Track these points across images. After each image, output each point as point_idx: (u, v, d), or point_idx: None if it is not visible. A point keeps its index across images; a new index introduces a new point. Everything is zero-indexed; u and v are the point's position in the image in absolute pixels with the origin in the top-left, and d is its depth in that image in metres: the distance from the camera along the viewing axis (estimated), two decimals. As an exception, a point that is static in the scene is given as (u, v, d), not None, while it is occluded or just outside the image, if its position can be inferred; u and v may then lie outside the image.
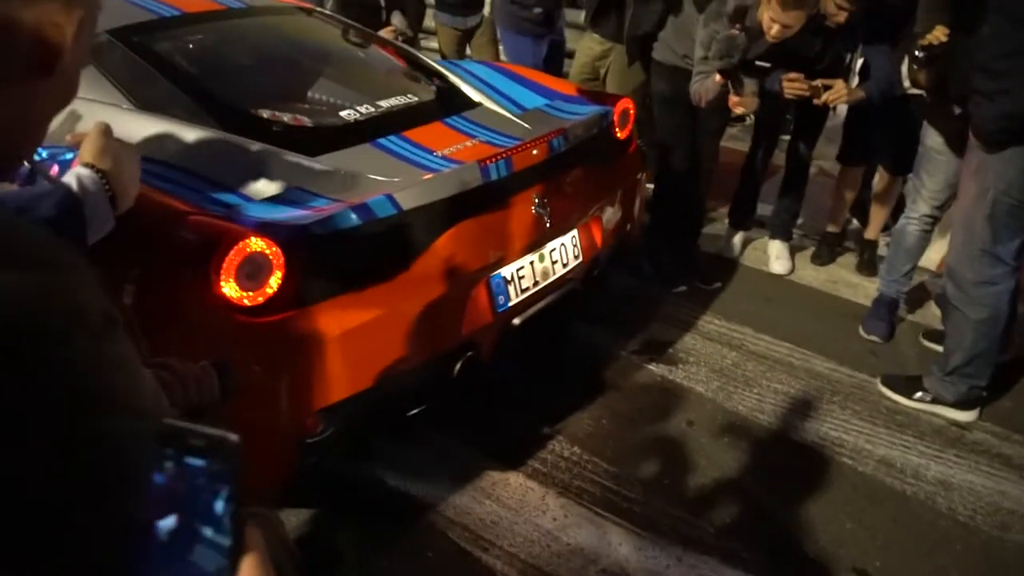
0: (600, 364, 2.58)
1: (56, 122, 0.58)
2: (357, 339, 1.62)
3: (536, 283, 2.03)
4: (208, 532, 0.41)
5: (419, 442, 2.16)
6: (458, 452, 2.15)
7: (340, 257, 1.61)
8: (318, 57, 2.44)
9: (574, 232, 2.15)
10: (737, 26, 2.55)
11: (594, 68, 3.53)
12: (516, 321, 1.97)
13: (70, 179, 1.00)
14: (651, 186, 3.07)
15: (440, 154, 1.90)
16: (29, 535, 0.42)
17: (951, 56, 2.24)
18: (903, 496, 2.07)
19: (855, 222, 3.54)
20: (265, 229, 1.50)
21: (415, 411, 1.85)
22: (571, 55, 3.86)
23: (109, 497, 0.45)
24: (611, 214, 2.32)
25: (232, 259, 1.47)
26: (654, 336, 2.75)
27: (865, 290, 3.08)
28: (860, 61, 2.93)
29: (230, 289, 1.48)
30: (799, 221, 3.40)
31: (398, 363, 1.70)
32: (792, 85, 2.68)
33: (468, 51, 4.09)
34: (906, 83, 2.56)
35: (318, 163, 1.77)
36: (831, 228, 3.37)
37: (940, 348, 2.46)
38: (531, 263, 2.01)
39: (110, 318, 0.48)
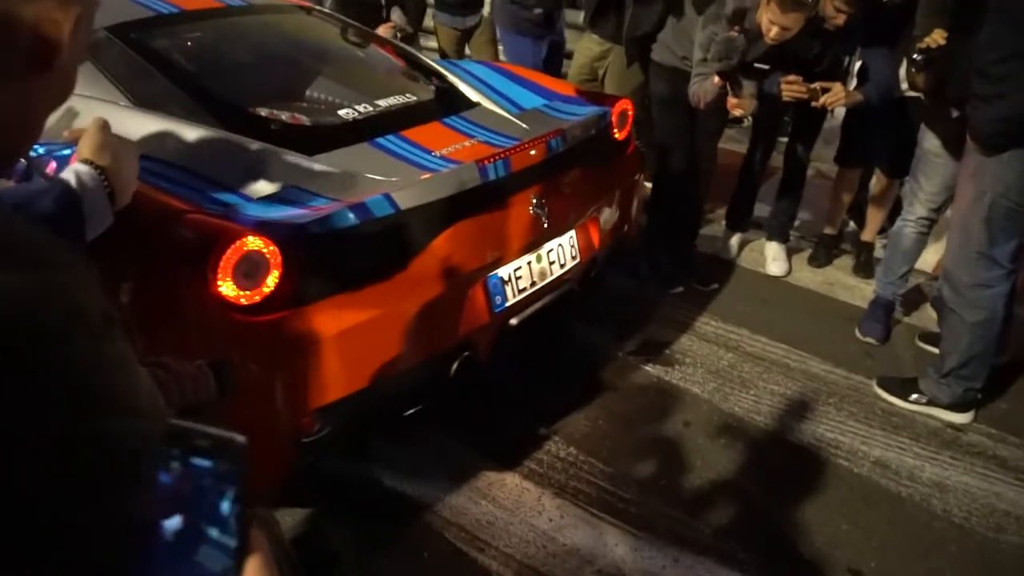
0: (597, 365, 2.58)
1: (53, 118, 0.58)
2: (354, 338, 1.62)
3: (533, 283, 2.03)
4: (214, 533, 0.41)
5: (416, 442, 2.16)
6: (455, 452, 2.15)
7: (337, 256, 1.61)
8: (317, 56, 2.44)
9: (572, 233, 2.15)
10: (736, 28, 2.55)
11: (593, 69, 3.54)
12: (513, 321, 1.97)
13: (68, 175, 1.00)
14: (649, 185, 3.07)
15: (438, 154, 1.90)
16: (29, 535, 0.41)
17: (949, 59, 2.24)
18: (898, 498, 2.07)
19: (852, 224, 3.55)
20: (263, 228, 1.50)
21: (412, 411, 1.85)
22: (571, 56, 3.86)
23: (109, 497, 0.44)
24: (609, 215, 2.32)
25: (229, 258, 1.46)
26: (651, 337, 2.75)
27: (861, 292, 3.08)
28: (858, 63, 2.94)
29: (227, 288, 1.47)
30: (796, 223, 3.41)
31: (395, 363, 1.70)
32: (790, 88, 2.69)
33: (467, 51, 4.09)
34: (904, 85, 2.56)
35: (316, 162, 1.77)
36: (828, 230, 3.37)
37: (936, 350, 2.46)
38: (529, 263, 2.01)
39: (109, 318, 0.48)
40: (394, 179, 1.76)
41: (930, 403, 2.38)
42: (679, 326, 2.83)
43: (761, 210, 3.41)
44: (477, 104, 2.27)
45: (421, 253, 1.74)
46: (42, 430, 0.42)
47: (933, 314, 2.82)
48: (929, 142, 2.52)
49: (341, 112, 2.03)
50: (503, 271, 1.94)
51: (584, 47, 3.56)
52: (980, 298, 2.21)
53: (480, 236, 1.87)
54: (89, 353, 0.45)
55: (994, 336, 2.24)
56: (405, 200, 1.68)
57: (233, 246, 1.46)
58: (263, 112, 1.94)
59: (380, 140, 1.92)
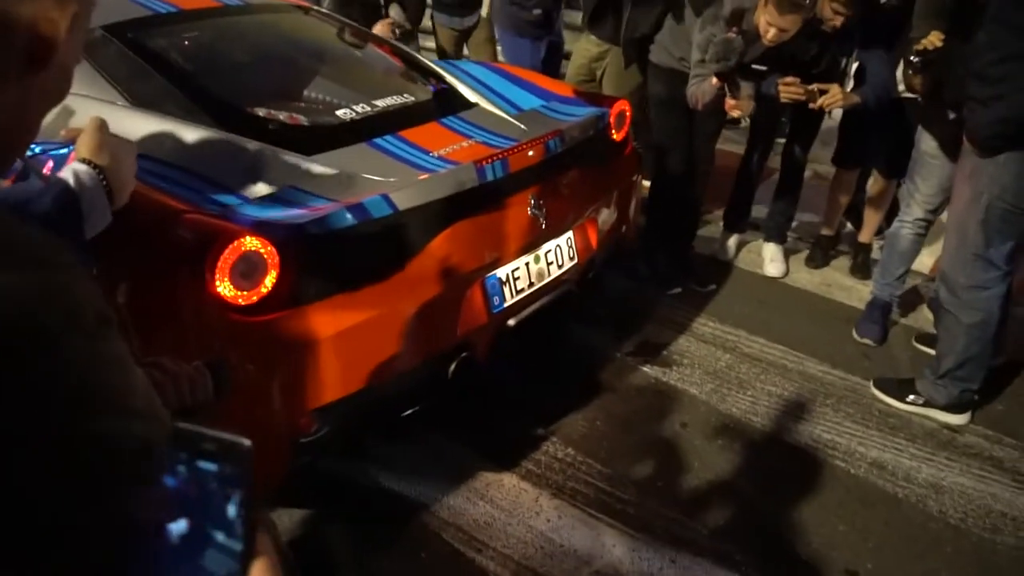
0: (595, 365, 2.58)
1: (49, 118, 0.58)
2: (352, 339, 1.61)
3: (531, 284, 2.03)
4: (220, 536, 0.41)
5: (414, 442, 2.15)
6: (453, 453, 2.15)
7: (335, 257, 1.60)
8: (315, 56, 2.43)
9: (570, 234, 2.15)
10: (734, 29, 2.56)
11: (590, 70, 3.54)
12: (511, 322, 1.97)
13: (67, 174, 1.00)
14: (647, 183, 3.07)
15: (436, 154, 1.90)
16: (29, 535, 0.41)
17: (946, 61, 2.25)
18: (895, 499, 2.08)
19: (849, 225, 3.56)
20: (260, 228, 1.49)
21: (410, 411, 1.84)
22: (569, 56, 3.86)
23: (109, 497, 0.44)
24: (607, 216, 2.33)
25: (227, 258, 1.46)
26: (649, 338, 2.75)
27: (859, 293, 3.09)
28: (855, 65, 2.94)
29: (225, 288, 1.47)
30: (794, 224, 3.42)
31: (393, 363, 1.70)
32: (788, 89, 2.69)
33: (465, 51, 4.09)
34: (901, 87, 2.57)
35: (314, 162, 1.76)
36: (825, 231, 3.38)
37: (933, 351, 2.47)
38: (527, 264, 2.01)
39: (104, 317, 0.48)
40: (392, 179, 1.75)
41: (927, 404, 2.39)
42: (677, 327, 2.83)
43: (759, 211, 3.41)
44: (475, 105, 2.27)
45: (419, 254, 1.74)
46: (42, 430, 0.42)
47: (930, 315, 2.83)
48: (926, 144, 2.53)
49: (339, 112, 2.02)
50: (501, 272, 1.94)
51: (582, 48, 3.56)
52: (976, 299, 2.22)
53: (478, 237, 1.87)
54: (84, 353, 0.45)
55: (990, 337, 2.25)
56: (403, 200, 1.68)
57: (231, 246, 1.46)
58: (261, 112, 1.93)
59: (378, 140, 1.92)
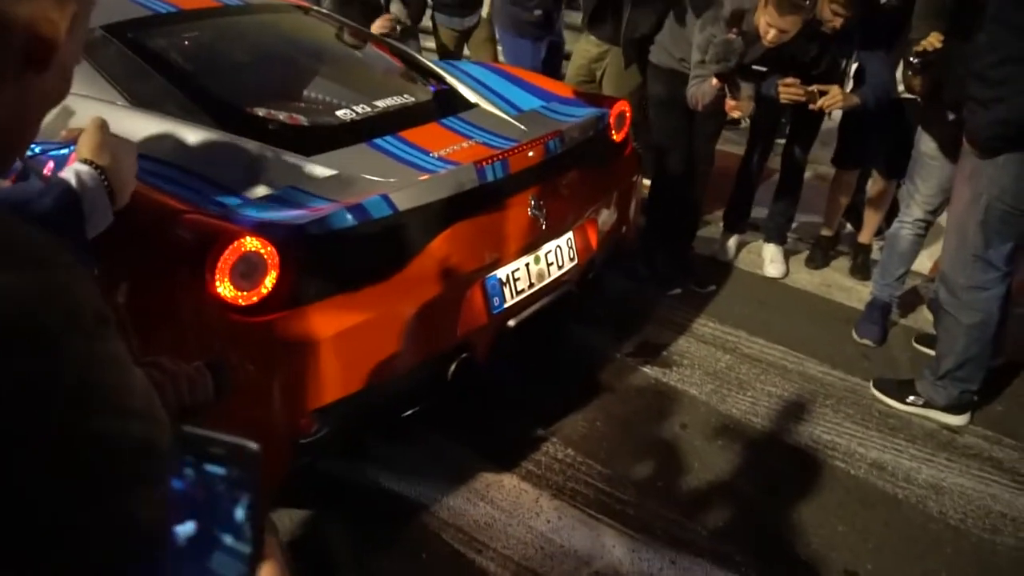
0: (595, 366, 2.58)
1: (49, 118, 0.57)
2: (352, 340, 1.61)
3: (531, 285, 2.02)
4: (228, 539, 0.41)
5: (414, 443, 2.15)
6: (453, 453, 2.15)
7: (335, 257, 1.60)
8: (315, 56, 2.43)
9: (570, 234, 2.15)
10: (734, 30, 2.56)
11: (590, 70, 3.54)
12: (511, 323, 1.97)
13: (68, 175, 1.00)
14: (647, 182, 3.07)
15: (436, 155, 1.90)
16: (29, 535, 0.41)
17: (946, 62, 2.25)
18: (895, 499, 2.07)
19: (849, 226, 3.56)
20: (260, 229, 1.49)
21: (410, 412, 1.84)
22: (569, 57, 3.86)
23: (109, 497, 0.44)
24: (607, 216, 2.33)
25: (227, 258, 1.46)
26: (649, 339, 2.75)
27: (858, 294, 3.09)
28: (855, 66, 2.95)
29: (225, 288, 1.47)
30: (794, 225, 3.42)
31: (393, 364, 1.69)
32: (788, 90, 2.69)
33: (466, 51, 4.09)
34: (900, 87, 2.57)
35: (314, 163, 1.76)
36: (825, 232, 3.38)
37: (932, 352, 2.47)
38: (527, 265, 2.01)
39: (103, 317, 0.48)
40: (392, 180, 1.75)
41: (926, 405, 2.39)
42: (677, 328, 2.83)
43: (759, 212, 3.41)
44: (475, 105, 2.27)
45: (419, 254, 1.74)
46: (41, 430, 0.42)
47: (930, 316, 2.83)
48: (925, 145, 2.53)
49: (339, 113, 2.02)
50: (501, 272, 1.94)
51: (582, 49, 3.56)
52: (976, 300, 2.22)
53: (478, 237, 1.87)
54: (83, 352, 0.45)
55: (990, 338, 2.25)
56: (403, 201, 1.68)
57: (231, 247, 1.46)
58: (261, 112, 1.93)
59: (378, 141, 1.92)
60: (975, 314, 2.22)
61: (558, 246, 2.11)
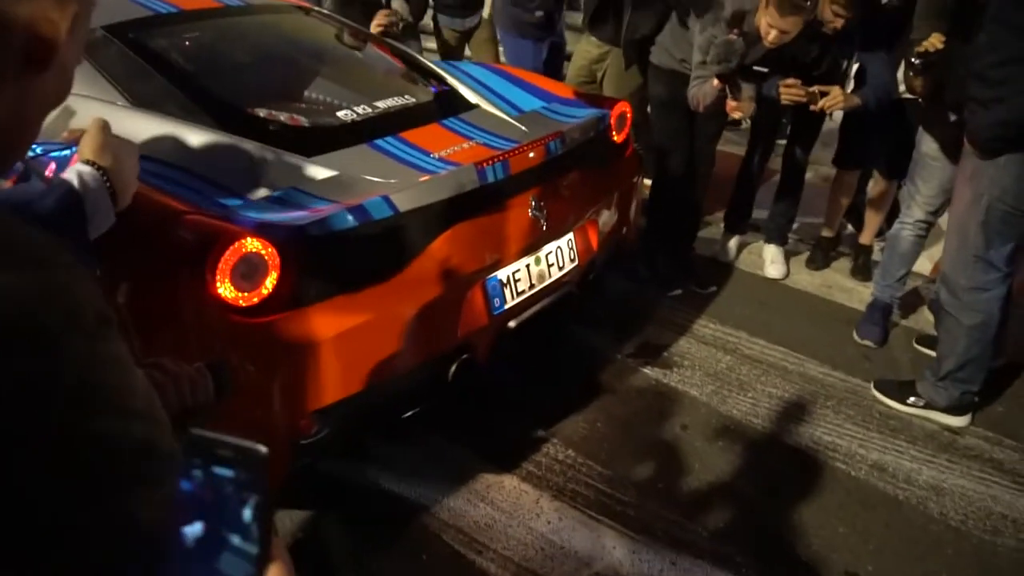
0: (595, 367, 2.58)
1: (50, 118, 0.57)
2: (352, 341, 1.61)
3: (532, 286, 2.02)
4: (236, 540, 0.42)
5: (414, 444, 2.15)
6: (453, 454, 2.15)
7: (336, 258, 1.60)
8: (315, 57, 2.43)
9: (570, 235, 2.15)
10: (735, 31, 2.56)
11: (591, 71, 3.54)
12: (512, 324, 1.96)
13: (71, 176, 1.00)
14: (648, 182, 3.07)
15: (437, 156, 1.90)
16: (29, 535, 0.42)
17: (947, 63, 2.25)
18: (895, 500, 2.07)
19: (850, 227, 3.56)
20: (261, 229, 1.49)
21: (410, 413, 1.84)
22: (571, 57, 3.86)
23: (109, 497, 0.44)
24: (607, 217, 2.33)
25: (228, 259, 1.46)
26: (649, 339, 2.75)
27: (859, 295, 3.09)
28: (855, 66, 2.95)
29: (225, 289, 1.47)
30: (794, 225, 3.42)
31: (393, 365, 1.69)
32: (789, 91, 2.69)
33: (467, 51, 4.09)
34: (902, 88, 2.57)
35: (315, 164, 1.76)
36: (826, 232, 3.38)
37: (933, 353, 2.47)
38: (527, 266, 2.01)
39: (104, 317, 0.48)
40: (393, 181, 1.75)
41: (927, 406, 2.38)
42: (677, 329, 2.83)
43: (759, 213, 3.41)
44: (476, 106, 2.27)
45: (420, 255, 1.74)
46: (41, 430, 0.42)
47: (930, 317, 2.82)
48: (927, 145, 2.53)
49: (340, 113, 2.02)
50: (502, 273, 1.94)
51: (582, 49, 3.56)
52: (977, 301, 2.22)
53: (479, 238, 1.87)
54: (84, 352, 0.45)
55: (991, 339, 2.25)
56: (404, 202, 1.68)
57: (232, 247, 1.46)
58: (261, 113, 1.93)
59: (379, 142, 1.92)
60: (976, 315, 2.22)
61: (559, 247, 2.11)
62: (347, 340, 1.60)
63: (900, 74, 2.54)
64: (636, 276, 3.06)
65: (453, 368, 1.83)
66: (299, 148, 1.79)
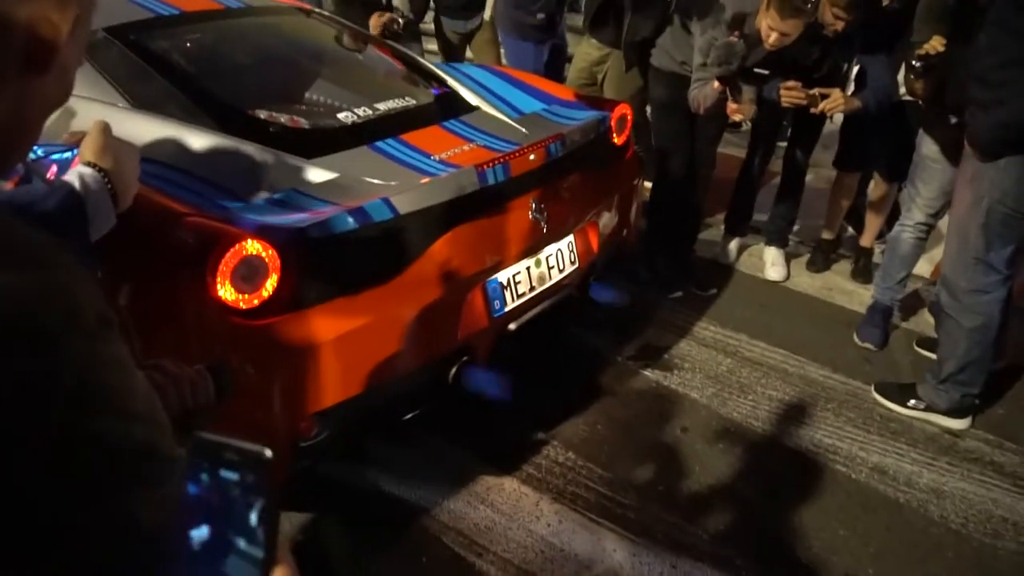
0: (595, 369, 2.58)
1: (51, 120, 0.57)
2: (353, 343, 1.61)
3: (532, 288, 2.02)
4: (241, 543, 0.42)
5: (414, 446, 2.15)
6: (453, 456, 2.14)
7: (336, 261, 1.60)
8: (316, 58, 2.44)
9: (571, 237, 2.15)
10: (736, 33, 2.56)
11: (592, 73, 3.54)
12: (512, 326, 1.96)
13: (72, 178, 1.00)
14: (648, 184, 3.07)
15: (437, 158, 1.90)
16: (29, 535, 0.42)
17: (948, 66, 2.25)
18: (896, 503, 2.07)
19: (850, 229, 3.56)
20: (262, 231, 1.49)
21: (410, 415, 1.84)
22: (572, 59, 3.86)
23: (109, 497, 0.44)
24: (608, 220, 2.33)
25: (228, 261, 1.46)
26: (650, 342, 2.75)
27: (860, 297, 3.09)
28: (856, 69, 2.95)
29: (226, 291, 1.47)
30: (795, 228, 3.42)
31: (393, 367, 1.69)
32: (789, 93, 2.69)
33: (469, 53, 4.09)
34: (902, 90, 2.57)
35: (315, 165, 1.76)
36: (826, 235, 3.38)
37: (934, 356, 2.47)
38: (527, 268, 2.01)
39: (105, 319, 0.48)
40: (393, 183, 1.75)
41: (928, 409, 2.38)
42: (678, 331, 2.83)
43: (760, 215, 3.41)
44: (476, 108, 2.27)
45: (420, 257, 1.74)
46: (41, 429, 0.42)
47: (931, 319, 2.82)
48: (927, 148, 2.53)
49: (340, 115, 2.03)
50: (502, 276, 1.94)
51: (583, 52, 3.57)
52: (977, 303, 2.22)
53: (479, 241, 1.87)
54: (84, 353, 0.45)
55: (991, 341, 2.25)
56: (404, 204, 1.68)
57: (232, 249, 1.46)
58: (262, 115, 1.94)
59: (379, 144, 1.92)
60: (976, 317, 2.22)
61: (559, 249, 2.11)
62: (347, 342, 1.60)
63: (900, 76, 2.54)
64: (636, 278, 3.05)
65: (453, 370, 1.83)
66: (300, 150, 1.79)
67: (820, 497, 2.08)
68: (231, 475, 0.42)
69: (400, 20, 3.15)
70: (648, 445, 2.26)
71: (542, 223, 1.99)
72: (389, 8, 3.29)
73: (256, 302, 1.50)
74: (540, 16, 3.67)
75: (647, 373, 2.58)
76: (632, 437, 2.28)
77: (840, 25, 2.60)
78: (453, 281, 1.80)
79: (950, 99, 2.26)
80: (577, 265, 2.17)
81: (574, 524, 1.94)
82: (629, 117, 2.43)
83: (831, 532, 1.96)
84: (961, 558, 1.91)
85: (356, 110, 2.05)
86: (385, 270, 1.69)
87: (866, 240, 3.29)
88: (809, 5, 2.45)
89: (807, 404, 2.46)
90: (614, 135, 2.38)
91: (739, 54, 2.53)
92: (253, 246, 1.47)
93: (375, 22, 3.10)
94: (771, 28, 2.50)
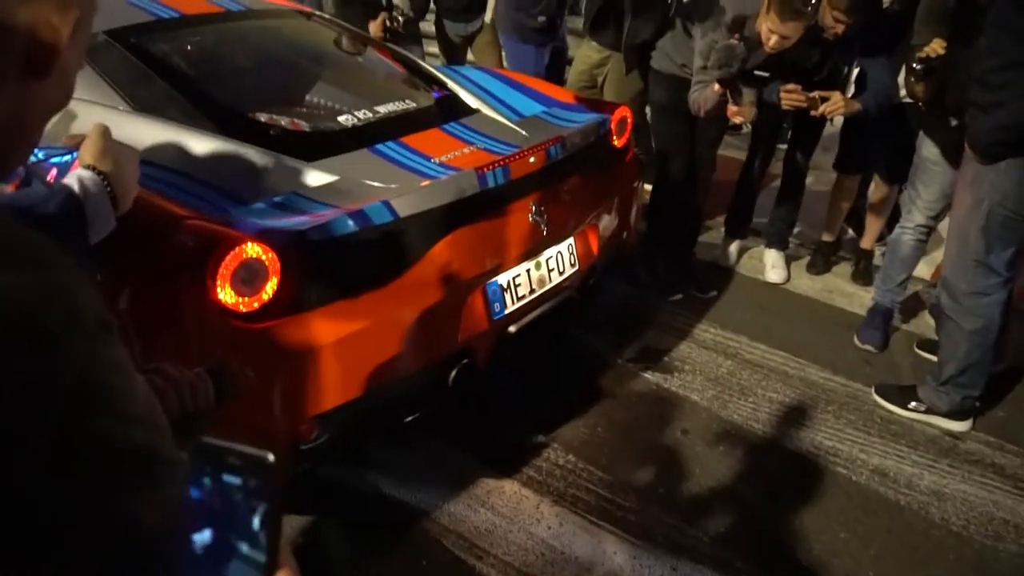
0: (596, 372, 2.57)
1: (51, 123, 0.57)
2: (353, 346, 1.61)
3: (532, 291, 2.02)
4: (244, 548, 0.42)
5: (414, 449, 2.15)
6: (453, 459, 2.14)
7: (336, 263, 1.61)
8: (316, 61, 2.44)
9: (571, 240, 2.15)
10: (736, 36, 2.56)
11: (592, 76, 3.54)
12: (512, 329, 1.96)
13: (72, 180, 1.00)
14: (648, 187, 3.07)
15: (438, 161, 1.90)
16: (29, 535, 0.42)
17: (948, 68, 2.25)
18: (897, 506, 2.07)
19: (850, 231, 3.56)
20: (262, 235, 1.49)
21: (410, 418, 1.84)
22: (572, 62, 3.87)
23: (109, 498, 0.45)
24: (608, 222, 2.33)
25: (228, 264, 1.46)
26: (650, 344, 2.75)
27: (860, 299, 3.09)
28: (856, 71, 2.95)
29: (226, 294, 1.47)
30: (795, 230, 3.42)
31: (394, 370, 1.69)
32: (790, 96, 2.70)
33: (470, 55, 4.09)
34: (902, 92, 2.57)
35: (315, 168, 1.76)
36: (827, 237, 3.38)
37: (934, 358, 2.47)
38: (527, 271, 2.01)
39: (105, 322, 0.48)
40: (393, 186, 1.76)
41: (928, 411, 2.38)
42: (678, 333, 2.82)
43: (760, 217, 3.41)
44: (476, 111, 2.27)
45: (420, 260, 1.74)
46: (41, 429, 0.42)
47: (931, 321, 2.82)
48: (927, 150, 2.53)
49: (341, 118, 2.03)
50: (502, 278, 1.94)
51: (583, 54, 3.57)
52: (977, 306, 2.22)
53: (479, 243, 1.87)
54: (83, 354, 0.45)
55: (991, 344, 2.25)
56: (404, 207, 1.68)
57: (232, 253, 1.46)
58: (263, 118, 1.94)
59: (379, 146, 1.93)
60: (977, 319, 2.22)
61: (559, 252, 2.11)
62: (347, 345, 1.60)
63: (901, 79, 2.55)
64: (636, 281, 3.06)
65: (453, 373, 1.83)
66: (300, 153, 1.80)
67: (821, 499, 2.08)
68: (234, 479, 0.42)
69: (400, 18, 3.14)
70: (648, 447, 2.26)
71: (542, 226, 1.99)
72: (390, 7, 3.29)
73: (256, 305, 1.50)
74: (541, 19, 3.68)
75: (647, 375, 2.58)
76: (632, 439, 2.28)
77: (840, 28, 2.61)
78: (453, 284, 1.80)
79: (950, 101, 2.26)
80: (577, 267, 2.17)
81: (575, 527, 1.93)
82: (629, 120, 2.44)
83: (832, 534, 1.96)
84: (962, 560, 1.91)
85: (356, 113, 2.05)
86: (385, 273, 1.69)
87: (866, 242, 3.30)
88: (809, 8, 2.45)
89: (807, 406, 2.46)
90: (614, 138, 2.38)
91: (739, 57, 2.53)
92: (253, 249, 1.47)
93: (375, 25, 3.10)
94: (771, 31, 2.50)
